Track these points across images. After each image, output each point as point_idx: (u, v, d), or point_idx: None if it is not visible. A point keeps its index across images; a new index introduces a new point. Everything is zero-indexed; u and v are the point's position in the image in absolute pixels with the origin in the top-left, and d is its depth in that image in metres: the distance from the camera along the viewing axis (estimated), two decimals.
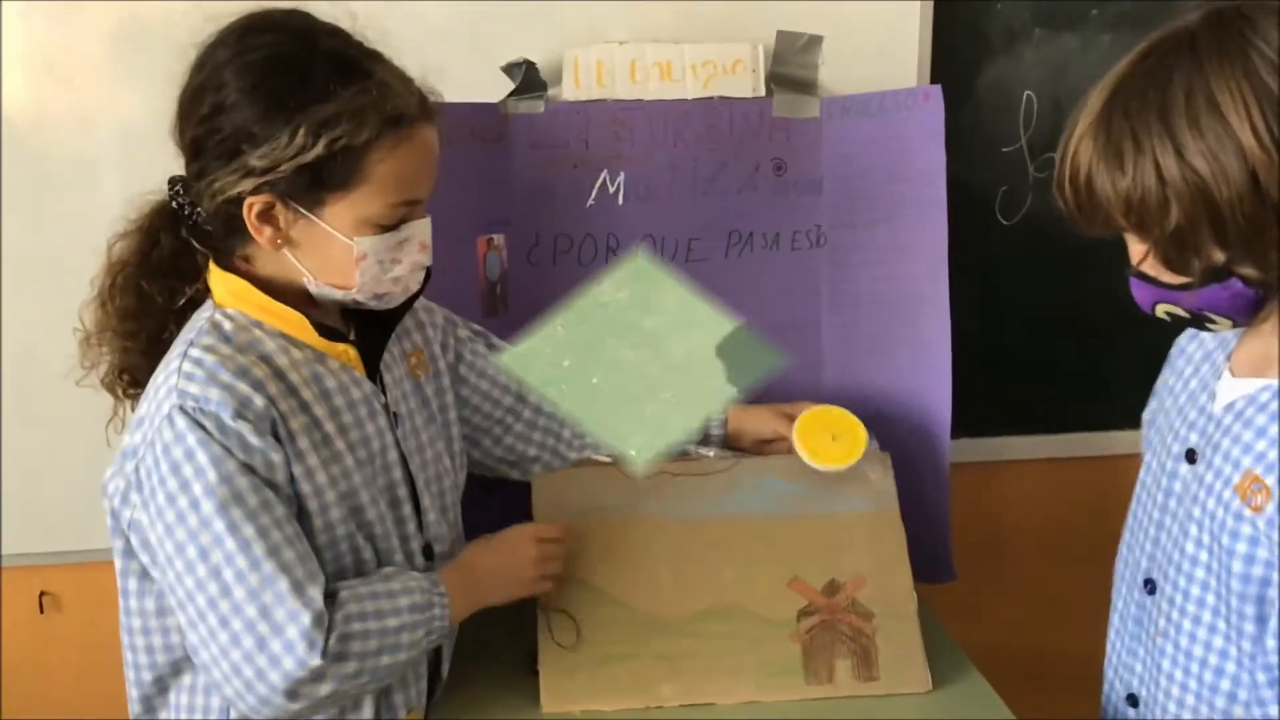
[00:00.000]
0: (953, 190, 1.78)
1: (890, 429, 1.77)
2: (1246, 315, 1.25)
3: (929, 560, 1.77)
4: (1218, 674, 1.29)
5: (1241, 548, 1.24)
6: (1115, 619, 1.47)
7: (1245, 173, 1.15)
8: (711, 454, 1.70)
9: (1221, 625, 1.28)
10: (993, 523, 2.13)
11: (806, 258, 1.91)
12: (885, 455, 1.70)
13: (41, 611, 2.13)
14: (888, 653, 1.58)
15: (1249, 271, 1.20)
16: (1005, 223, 2.12)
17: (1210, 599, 1.29)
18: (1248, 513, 1.23)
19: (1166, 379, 1.48)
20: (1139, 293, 1.30)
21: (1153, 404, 1.54)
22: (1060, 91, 2.06)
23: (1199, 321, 1.28)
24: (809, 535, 1.64)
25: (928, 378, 1.82)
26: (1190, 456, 1.34)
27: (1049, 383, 2.21)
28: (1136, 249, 1.28)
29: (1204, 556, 1.30)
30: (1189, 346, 1.46)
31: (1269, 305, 1.25)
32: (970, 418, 1.88)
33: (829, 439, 1.67)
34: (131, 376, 1.45)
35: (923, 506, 1.77)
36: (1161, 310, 1.29)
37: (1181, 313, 1.27)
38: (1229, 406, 1.30)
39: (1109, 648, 1.49)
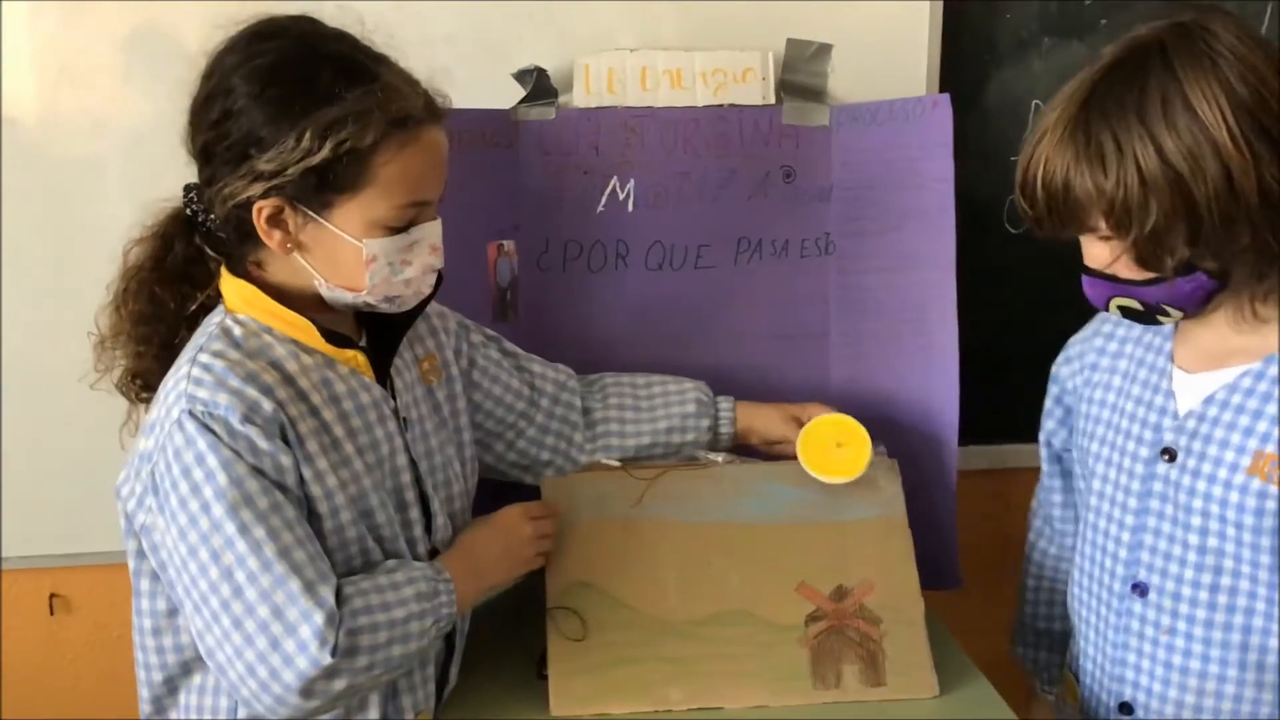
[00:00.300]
0: (961, 198, 1.78)
1: (898, 436, 1.77)
2: (1199, 307, 1.31)
3: (936, 567, 1.77)
4: (1243, 650, 1.31)
5: (1269, 523, 1.27)
6: (1090, 633, 1.47)
7: (1221, 170, 1.20)
8: (720, 459, 1.71)
9: (1241, 602, 1.30)
10: (999, 530, 2.11)
11: (815, 265, 1.91)
12: (893, 462, 1.70)
13: (51, 613, 2.13)
14: (895, 658, 1.58)
15: (1212, 265, 1.26)
16: (1013, 231, 2.12)
17: (1226, 581, 1.31)
18: (1274, 489, 1.26)
19: (1092, 393, 1.50)
20: (1093, 289, 1.35)
21: (1048, 424, 1.59)
22: None
23: (1152, 315, 1.32)
24: (816, 541, 1.64)
25: (935, 385, 1.82)
26: (1169, 455, 1.35)
27: None
28: (1099, 251, 1.32)
29: (1213, 542, 1.31)
30: (1101, 361, 1.49)
31: (1218, 297, 1.30)
32: (977, 425, 1.87)
33: (834, 448, 1.67)
34: (144, 381, 1.46)
35: (930, 513, 1.77)
36: (1115, 305, 1.34)
37: (1137, 306, 1.32)
38: (1209, 399, 1.33)
39: (1088, 662, 1.49)
